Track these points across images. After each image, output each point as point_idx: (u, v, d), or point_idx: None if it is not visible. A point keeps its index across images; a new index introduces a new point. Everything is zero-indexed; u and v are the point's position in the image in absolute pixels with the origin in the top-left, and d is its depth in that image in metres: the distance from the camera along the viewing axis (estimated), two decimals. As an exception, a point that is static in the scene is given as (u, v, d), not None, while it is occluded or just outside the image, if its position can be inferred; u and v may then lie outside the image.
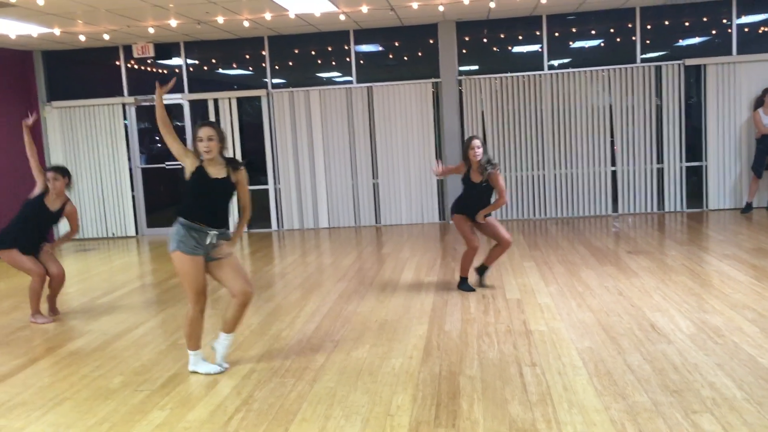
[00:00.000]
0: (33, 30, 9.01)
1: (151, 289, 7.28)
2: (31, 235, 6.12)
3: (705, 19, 10.36)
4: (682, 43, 10.66)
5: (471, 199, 6.29)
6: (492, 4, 9.00)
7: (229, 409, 3.91)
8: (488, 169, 6.13)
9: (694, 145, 10.54)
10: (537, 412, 3.62)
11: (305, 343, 5.05)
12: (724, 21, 10.23)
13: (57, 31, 9.19)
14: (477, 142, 6.12)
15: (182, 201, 4.49)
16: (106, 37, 9.72)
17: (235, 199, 4.59)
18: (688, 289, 5.95)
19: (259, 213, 11.21)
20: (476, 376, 4.19)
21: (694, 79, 10.58)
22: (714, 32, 10.48)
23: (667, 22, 10.41)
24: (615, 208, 10.59)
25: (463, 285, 6.40)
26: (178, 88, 11.09)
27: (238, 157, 10.91)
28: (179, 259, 4.35)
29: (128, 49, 10.86)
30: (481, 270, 6.52)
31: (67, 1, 7.48)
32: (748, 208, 10.04)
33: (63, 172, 6.16)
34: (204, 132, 4.41)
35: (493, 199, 6.31)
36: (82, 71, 11.62)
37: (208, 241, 4.40)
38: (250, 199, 4.69)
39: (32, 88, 11.03)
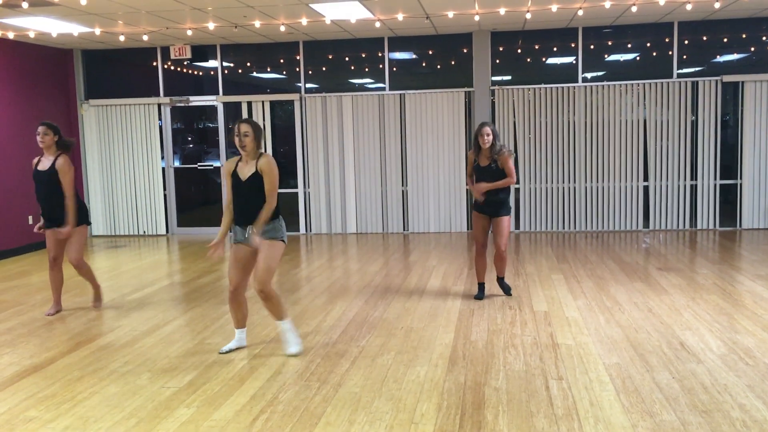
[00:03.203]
0: (74, 29, 9.19)
1: (180, 288, 7.36)
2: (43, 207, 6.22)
3: (744, 36, 10.23)
4: (720, 59, 10.53)
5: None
6: (528, 15, 8.98)
7: (254, 410, 3.93)
8: (500, 150, 6.15)
9: (729, 163, 10.40)
10: (563, 427, 3.59)
11: (330, 348, 5.07)
12: (764, 38, 10.09)
13: (97, 31, 9.37)
14: (487, 129, 6.13)
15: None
16: (145, 38, 9.88)
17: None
18: (720, 308, 5.86)
19: (288, 216, 11.26)
20: (501, 387, 4.17)
21: (731, 96, 10.45)
22: (753, 49, 10.34)
23: (705, 38, 10.30)
24: (646, 224, 10.48)
25: (479, 294, 6.49)
26: (213, 90, 11.23)
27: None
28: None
29: (166, 51, 11.02)
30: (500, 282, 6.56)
31: (109, 2, 7.62)
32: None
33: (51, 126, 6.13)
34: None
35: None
36: (119, 71, 11.82)
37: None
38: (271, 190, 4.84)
39: (71, 85, 11.24)
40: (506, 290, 6.51)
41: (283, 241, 4.87)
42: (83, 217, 6.26)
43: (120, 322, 5.99)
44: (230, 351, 5.03)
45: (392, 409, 3.88)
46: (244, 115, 11.07)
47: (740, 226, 10.29)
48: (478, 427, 3.61)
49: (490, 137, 6.13)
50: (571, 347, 4.91)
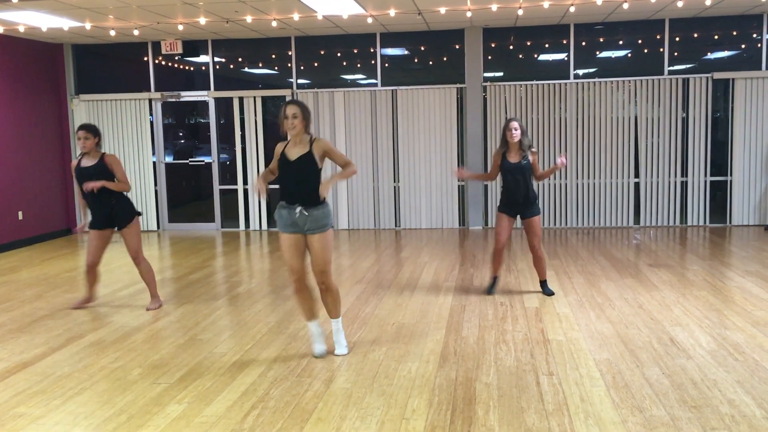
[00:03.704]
0: (64, 23, 9.13)
1: (171, 284, 7.34)
2: (91, 207, 6.05)
3: (734, 33, 10.27)
4: (711, 56, 10.57)
5: (513, 183, 6.19)
6: (520, 12, 8.99)
7: (246, 406, 3.93)
8: (530, 146, 6.18)
9: (720, 160, 10.45)
10: (553, 422, 3.61)
11: (322, 344, 5.06)
12: (754, 35, 10.14)
13: (88, 26, 9.31)
14: (515, 124, 6.11)
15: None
16: (136, 32, 9.83)
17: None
18: (709, 304, 5.90)
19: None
20: (493, 383, 4.18)
21: (722, 93, 10.49)
22: (743, 46, 10.38)
23: (696, 35, 10.33)
24: (637, 220, 10.52)
25: (491, 287, 6.47)
26: (204, 85, 11.19)
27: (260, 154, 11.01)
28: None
29: (157, 45, 10.97)
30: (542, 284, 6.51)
31: (99, -4, 7.59)
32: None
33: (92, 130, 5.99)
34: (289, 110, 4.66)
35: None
36: (110, 65, 11.76)
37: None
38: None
39: (61, 80, 11.17)
40: (549, 293, 6.37)
41: (332, 227, 4.83)
42: (133, 210, 6.16)
43: (111, 318, 5.97)
44: (322, 354, 4.79)
45: (383, 405, 3.89)
46: (236, 110, 11.04)
47: (730, 222, 10.34)
48: (468, 423, 3.62)
49: (518, 131, 6.09)
50: (561, 343, 4.93)
